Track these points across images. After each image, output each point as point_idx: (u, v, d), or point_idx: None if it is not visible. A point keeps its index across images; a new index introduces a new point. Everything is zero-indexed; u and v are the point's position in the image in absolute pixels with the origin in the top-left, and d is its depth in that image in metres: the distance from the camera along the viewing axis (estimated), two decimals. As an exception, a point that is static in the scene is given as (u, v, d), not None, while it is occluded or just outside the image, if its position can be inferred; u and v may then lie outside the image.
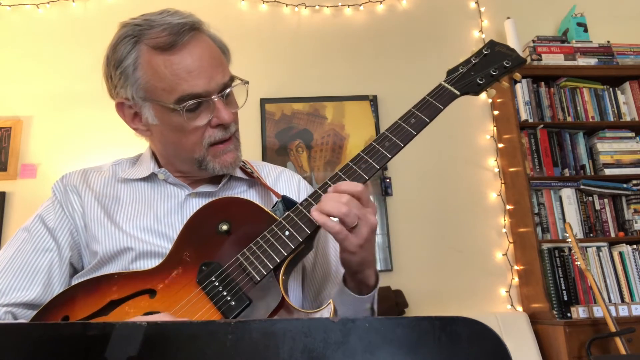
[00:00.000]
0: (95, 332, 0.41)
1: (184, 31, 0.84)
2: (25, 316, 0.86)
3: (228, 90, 0.88)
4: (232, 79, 0.90)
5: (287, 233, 0.78)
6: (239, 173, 0.99)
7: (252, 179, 1.01)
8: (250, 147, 2.74)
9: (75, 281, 0.90)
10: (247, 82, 0.92)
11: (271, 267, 0.76)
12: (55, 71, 2.78)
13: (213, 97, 0.85)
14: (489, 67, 0.93)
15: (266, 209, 0.84)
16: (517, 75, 0.96)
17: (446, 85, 0.91)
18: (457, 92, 0.90)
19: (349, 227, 0.75)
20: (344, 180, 0.81)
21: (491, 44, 0.97)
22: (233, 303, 0.74)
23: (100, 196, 0.95)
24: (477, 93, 0.93)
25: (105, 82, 0.92)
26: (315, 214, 0.75)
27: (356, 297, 0.84)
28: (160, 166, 0.97)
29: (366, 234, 0.76)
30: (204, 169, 0.91)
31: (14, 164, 2.62)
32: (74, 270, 0.94)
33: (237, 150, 0.93)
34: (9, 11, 2.85)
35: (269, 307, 0.75)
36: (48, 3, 2.87)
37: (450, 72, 0.95)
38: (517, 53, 0.95)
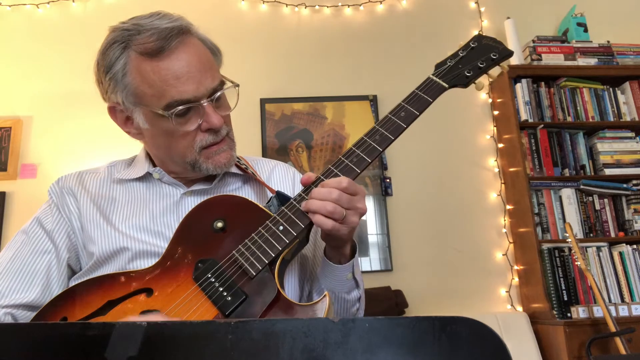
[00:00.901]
0: (95, 332, 0.41)
1: (171, 36, 0.84)
2: (24, 317, 0.86)
3: (217, 94, 0.88)
4: (223, 82, 0.90)
5: (281, 228, 0.79)
6: (233, 169, 1.00)
7: (247, 175, 1.01)
8: (250, 147, 2.74)
9: (73, 282, 0.90)
10: (238, 85, 0.92)
11: (266, 261, 0.77)
12: (55, 71, 2.78)
13: (202, 102, 0.85)
14: (476, 60, 0.94)
15: (260, 206, 0.85)
16: (504, 67, 0.98)
17: (434, 78, 0.92)
18: (446, 85, 0.91)
19: (337, 220, 0.78)
20: (336, 174, 0.83)
21: (478, 38, 0.98)
22: (229, 298, 0.75)
23: (96, 197, 0.96)
24: (465, 85, 0.93)
25: (97, 86, 0.93)
26: (310, 216, 0.79)
27: (336, 266, 0.88)
28: (155, 166, 0.98)
29: (356, 221, 0.80)
30: (197, 170, 0.92)
31: (14, 164, 2.62)
32: (72, 272, 0.94)
33: (231, 149, 0.93)
34: (9, 11, 2.85)
35: (265, 302, 0.75)
36: (48, 3, 2.87)
37: (438, 66, 0.95)
38: (504, 45, 0.96)
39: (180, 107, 0.83)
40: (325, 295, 0.73)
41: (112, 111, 0.92)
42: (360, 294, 0.94)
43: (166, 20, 0.85)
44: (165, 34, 0.83)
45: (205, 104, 0.86)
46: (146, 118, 0.88)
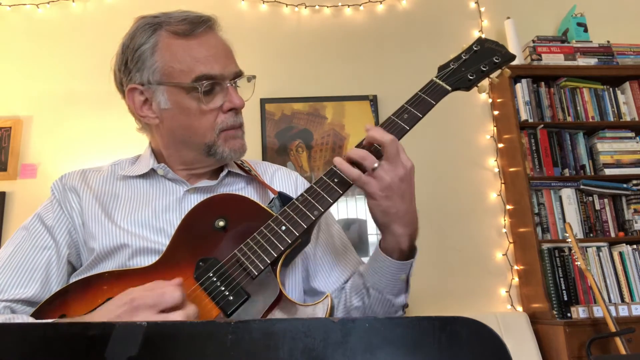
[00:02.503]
0: (95, 332, 0.41)
1: (201, 22, 0.90)
2: (23, 312, 0.86)
3: (239, 78, 0.93)
4: (242, 72, 0.95)
5: (283, 228, 0.79)
6: (237, 169, 1.00)
7: (250, 176, 1.02)
8: (250, 147, 2.70)
9: (73, 279, 0.90)
10: (254, 77, 0.97)
11: (268, 261, 0.77)
12: (55, 71, 2.78)
13: (226, 82, 0.90)
14: (479, 63, 0.95)
15: (262, 205, 0.85)
16: (507, 71, 0.98)
17: (438, 81, 0.93)
18: (449, 88, 0.92)
19: (367, 169, 0.79)
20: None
21: (480, 41, 0.99)
22: (231, 298, 0.75)
23: (99, 194, 0.96)
24: (468, 88, 0.94)
25: (115, 73, 0.95)
26: (336, 160, 0.80)
27: (387, 258, 0.84)
28: (159, 162, 0.98)
29: (389, 180, 0.79)
30: (212, 155, 0.92)
31: (14, 164, 2.62)
32: (73, 269, 0.94)
33: (244, 139, 0.96)
34: (9, 11, 2.85)
35: (267, 302, 0.75)
36: (48, 3, 2.87)
37: (441, 68, 0.96)
38: (506, 49, 0.97)
39: (208, 82, 0.87)
40: (327, 296, 0.73)
41: (131, 93, 0.93)
42: (407, 302, 0.91)
43: (195, 12, 0.92)
44: (196, 20, 0.90)
45: (229, 84, 0.90)
46: (169, 96, 0.90)
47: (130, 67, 0.91)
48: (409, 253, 0.86)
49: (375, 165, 0.79)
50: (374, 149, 0.82)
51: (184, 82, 0.88)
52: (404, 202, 0.80)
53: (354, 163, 0.82)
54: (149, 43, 0.89)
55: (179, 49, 0.88)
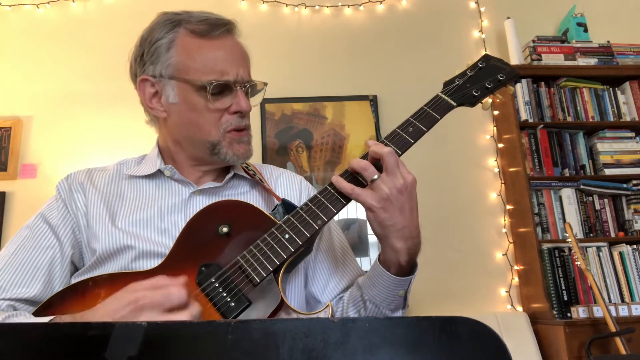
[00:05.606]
0: (95, 332, 0.41)
1: (220, 25, 0.91)
2: (26, 309, 0.85)
3: (250, 85, 0.94)
4: (253, 82, 0.96)
5: (287, 236, 0.79)
6: (242, 172, 1.00)
7: (254, 180, 1.02)
8: (250, 147, 2.74)
9: (74, 280, 0.90)
10: (266, 84, 0.99)
11: (271, 269, 0.77)
12: (55, 71, 2.78)
13: (236, 86, 0.91)
14: (484, 80, 0.96)
15: (266, 213, 0.86)
16: (510, 89, 1.00)
17: (443, 96, 0.94)
18: (454, 103, 0.93)
19: (367, 180, 0.80)
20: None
21: (486, 58, 1.01)
22: (232, 304, 0.75)
23: (104, 194, 0.96)
24: (472, 104, 0.96)
25: (131, 63, 0.97)
26: (333, 178, 0.82)
27: (385, 273, 0.83)
28: (166, 163, 0.98)
29: (387, 191, 0.78)
30: (215, 155, 0.93)
31: (14, 164, 2.62)
32: (75, 269, 0.94)
33: (249, 144, 0.96)
34: (9, 11, 2.85)
35: (268, 309, 0.75)
36: (48, 3, 2.87)
37: (446, 84, 0.98)
38: (511, 67, 0.99)
39: (218, 83, 0.89)
40: (327, 305, 0.73)
41: (143, 84, 0.94)
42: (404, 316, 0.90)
43: (216, 15, 0.93)
44: (216, 22, 0.91)
45: (238, 88, 0.91)
46: (179, 91, 0.91)
47: (145, 59, 0.93)
48: (408, 269, 0.84)
49: (375, 177, 0.79)
50: (376, 164, 0.83)
51: (194, 80, 0.89)
52: (403, 215, 0.79)
53: (356, 173, 0.83)
54: (166, 38, 0.91)
55: (194, 48, 0.90)
